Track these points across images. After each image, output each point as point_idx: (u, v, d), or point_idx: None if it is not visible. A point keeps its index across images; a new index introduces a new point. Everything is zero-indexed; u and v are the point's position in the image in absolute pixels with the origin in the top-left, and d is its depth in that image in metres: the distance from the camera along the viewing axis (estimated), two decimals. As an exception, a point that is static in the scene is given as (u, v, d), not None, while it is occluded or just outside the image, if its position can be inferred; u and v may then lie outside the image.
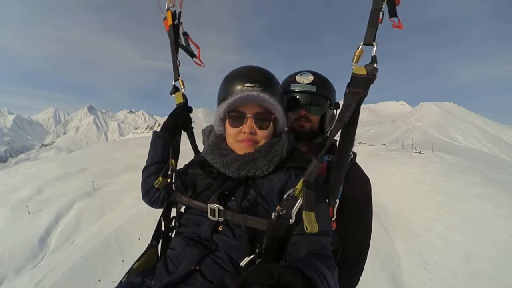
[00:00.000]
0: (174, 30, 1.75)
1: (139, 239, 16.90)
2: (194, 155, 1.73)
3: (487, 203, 11.66)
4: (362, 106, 1.34)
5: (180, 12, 1.77)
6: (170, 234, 1.57)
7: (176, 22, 1.76)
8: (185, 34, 1.81)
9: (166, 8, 1.75)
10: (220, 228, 1.22)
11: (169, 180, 1.48)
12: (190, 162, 1.62)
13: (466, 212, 10.95)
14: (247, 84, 1.31)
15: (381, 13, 1.21)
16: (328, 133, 1.94)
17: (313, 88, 1.78)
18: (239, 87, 1.32)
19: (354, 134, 1.36)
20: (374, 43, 1.22)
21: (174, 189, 1.48)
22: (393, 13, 1.25)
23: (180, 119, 1.71)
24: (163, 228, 1.59)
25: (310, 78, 1.82)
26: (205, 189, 1.37)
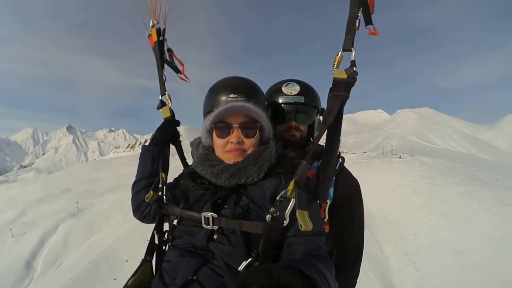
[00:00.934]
0: (159, 46, 1.78)
1: (127, 261, 16.31)
2: (182, 170, 1.73)
3: (470, 200, 11.95)
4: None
5: (164, 29, 1.80)
6: (164, 247, 1.52)
7: (161, 38, 1.79)
8: (169, 50, 1.83)
9: (151, 25, 1.79)
10: (215, 236, 1.22)
11: (160, 194, 1.47)
12: (180, 175, 1.62)
13: (449, 210, 11.21)
14: (231, 95, 1.34)
15: (357, 20, 1.29)
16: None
17: (301, 99, 1.79)
18: (223, 98, 1.35)
19: (339, 135, 1.41)
20: (352, 48, 1.29)
21: (165, 202, 1.46)
22: (368, 21, 1.33)
23: (168, 133, 1.73)
24: (156, 242, 1.54)
25: (297, 88, 1.82)
26: (197, 200, 1.37)
